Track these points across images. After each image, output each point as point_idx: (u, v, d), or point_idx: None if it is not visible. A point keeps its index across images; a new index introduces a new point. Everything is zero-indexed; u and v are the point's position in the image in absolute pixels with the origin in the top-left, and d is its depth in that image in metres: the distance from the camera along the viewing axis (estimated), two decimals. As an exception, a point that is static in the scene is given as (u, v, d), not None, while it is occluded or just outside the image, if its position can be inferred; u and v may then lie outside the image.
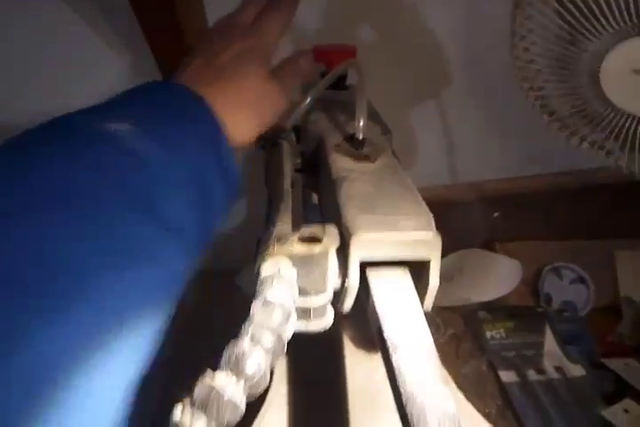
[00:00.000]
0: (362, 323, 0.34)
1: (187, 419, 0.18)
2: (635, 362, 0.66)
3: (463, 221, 0.81)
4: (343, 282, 0.28)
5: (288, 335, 0.22)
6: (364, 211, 0.27)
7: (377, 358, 0.28)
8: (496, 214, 0.83)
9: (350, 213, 0.27)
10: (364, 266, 0.28)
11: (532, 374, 0.65)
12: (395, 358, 0.22)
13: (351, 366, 0.42)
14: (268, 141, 0.37)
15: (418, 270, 0.28)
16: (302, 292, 0.26)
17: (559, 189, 0.82)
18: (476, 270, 0.79)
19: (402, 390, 0.20)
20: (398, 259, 0.27)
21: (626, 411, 0.58)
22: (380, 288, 0.27)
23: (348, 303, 0.29)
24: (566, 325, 0.74)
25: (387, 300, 0.26)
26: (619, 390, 0.63)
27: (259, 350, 0.20)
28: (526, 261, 0.81)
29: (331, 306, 0.28)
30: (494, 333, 0.69)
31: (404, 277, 0.29)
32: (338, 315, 0.28)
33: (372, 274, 0.28)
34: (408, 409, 0.19)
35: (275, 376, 0.40)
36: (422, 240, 0.26)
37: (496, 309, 0.71)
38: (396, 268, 0.29)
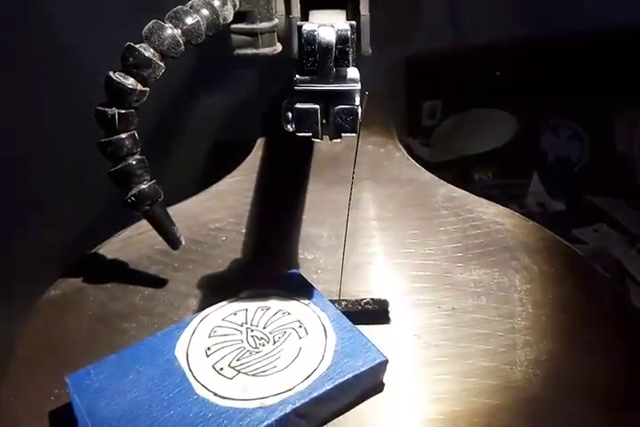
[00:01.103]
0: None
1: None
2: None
3: (465, 80, 0.85)
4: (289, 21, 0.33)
5: (225, 17, 0.28)
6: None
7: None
8: (498, 73, 0.85)
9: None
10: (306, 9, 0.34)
11: (514, 208, 0.70)
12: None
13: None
14: None
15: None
16: (249, 18, 0.32)
17: (561, 47, 0.83)
18: (472, 127, 0.83)
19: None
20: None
21: (595, 231, 0.64)
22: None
23: (295, 43, 0.34)
24: (556, 174, 0.78)
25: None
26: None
27: (196, 14, 0.27)
28: (524, 118, 0.84)
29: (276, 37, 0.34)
30: (482, 175, 0.74)
31: (339, 14, 0.34)
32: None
33: (313, 13, 0.34)
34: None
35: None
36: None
37: (487, 155, 0.76)
38: (336, 11, 0.34)
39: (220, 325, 0.29)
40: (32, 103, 0.62)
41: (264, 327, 0.29)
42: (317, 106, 0.25)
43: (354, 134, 0.26)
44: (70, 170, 0.66)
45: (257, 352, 0.27)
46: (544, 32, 0.84)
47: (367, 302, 0.33)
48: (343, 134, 0.26)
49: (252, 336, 0.28)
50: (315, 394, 0.25)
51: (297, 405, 0.24)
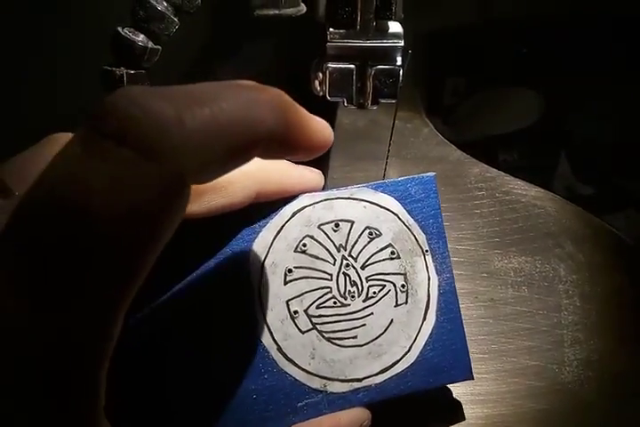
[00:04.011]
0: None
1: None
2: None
3: (492, 58, 0.80)
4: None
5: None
6: None
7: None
8: (525, 50, 0.80)
9: None
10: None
11: (541, 192, 0.67)
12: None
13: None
14: None
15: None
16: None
17: (594, 20, 0.78)
18: (497, 105, 0.79)
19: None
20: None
21: (627, 217, 0.60)
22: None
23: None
24: (585, 156, 0.74)
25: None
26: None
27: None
28: (552, 97, 0.79)
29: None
30: (507, 156, 0.70)
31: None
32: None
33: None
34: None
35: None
36: None
37: (513, 135, 0.72)
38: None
39: (314, 236, 0.22)
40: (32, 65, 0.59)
41: (362, 267, 0.22)
42: (353, 65, 0.22)
43: (393, 101, 0.23)
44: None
45: (342, 305, 0.21)
46: (576, 7, 0.80)
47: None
48: (381, 100, 0.23)
49: (346, 275, 0.22)
50: (381, 398, 0.21)
51: (358, 404, 0.21)
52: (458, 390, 0.25)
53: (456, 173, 0.39)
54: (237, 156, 0.13)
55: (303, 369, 0.21)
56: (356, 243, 0.22)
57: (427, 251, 0.23)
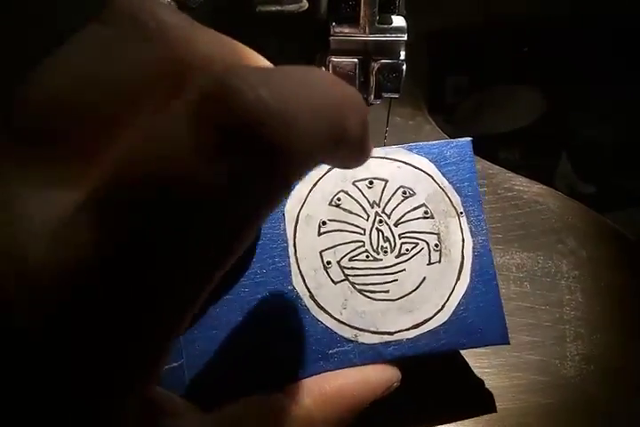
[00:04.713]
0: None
1: None
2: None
3: (494, 56, 0.80)
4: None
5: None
6: None
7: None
8: (525, 49, 0.80)
9: None
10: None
11: (542, 190, 0.67)
12: None
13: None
14: None
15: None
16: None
17: (595, 20, 0.78)
18: (498, 104, 0.79)
19: None
20: None
21: (629, 216, 0.60)
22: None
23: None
24: (586, 155, 0.74)
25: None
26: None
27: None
28: (553, 96, 0.79)
29: None
30: (508, 154, 0.70)
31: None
32: None
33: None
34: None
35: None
36: None
37: (514, 134, 0.72)
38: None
39: (348, 191, 0.22)
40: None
41: (395, 225, 0.22)
42: (356, 59, 0.22)
43: (396, 95, 0.23)
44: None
45: (374, 259, 0.22)
46: (576, 7, 0.80)
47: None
48: (384, 95, 0.23)
49: (378, 231, 0.22)
50: (412, 353, 0.21)
51: (390, 358, 0.21)
52: (460, 384, 0.25)
53: (458, 169, 0.39)
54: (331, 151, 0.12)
55: (335, 318, 0.21)
56: (389, 201, 0.23)
57: (461, 213, 0.23)
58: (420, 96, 0.48)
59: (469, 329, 0.21)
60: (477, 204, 0.24)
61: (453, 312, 0.21)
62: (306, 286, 0.21)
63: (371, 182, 0.23)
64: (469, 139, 0.25)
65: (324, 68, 0.23)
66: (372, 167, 0.23)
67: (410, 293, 0.21)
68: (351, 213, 0.22)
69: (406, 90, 0.49)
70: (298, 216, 0.22)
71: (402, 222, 0.22)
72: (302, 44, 0.53)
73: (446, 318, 0.21)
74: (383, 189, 0.23)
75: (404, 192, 0.23)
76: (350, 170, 0.22)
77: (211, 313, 0.20)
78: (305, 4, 0.34)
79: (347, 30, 0.22)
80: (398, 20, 0.22)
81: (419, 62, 0.81)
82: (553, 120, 0.81)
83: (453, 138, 0.49)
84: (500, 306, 0.22)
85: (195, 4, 0.26)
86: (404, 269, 0.22)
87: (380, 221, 0.22)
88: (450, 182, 0.23)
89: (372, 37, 0.21)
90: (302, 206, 0.22)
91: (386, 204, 0.22)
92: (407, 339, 0.21)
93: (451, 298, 0.22)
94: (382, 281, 0.21)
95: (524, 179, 0.38)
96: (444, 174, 0.23)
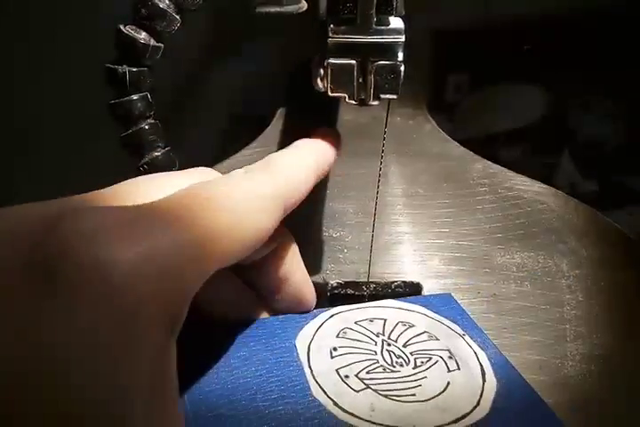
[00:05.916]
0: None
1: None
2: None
3: (494, 55, 0.80)
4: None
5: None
6: None
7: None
8: (527, 47, 0.80)
9: None
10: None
11: (544, 188, 0.67)
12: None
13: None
14: None
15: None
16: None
17: (597, 19, 0.78)
18: (499, 102, 0.78)
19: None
20: None
21: (630, 214, 0.60)
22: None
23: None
24: (588, 153, 0.74)
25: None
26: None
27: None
28: (555, 94, 0.79)
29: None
30: (509, 153, 0.70)
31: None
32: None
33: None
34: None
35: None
36: None
37: (515, 132, 0.72)
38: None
39: (352, 327, 0.24)
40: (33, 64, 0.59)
41: (404, 346, 0.23)
42: (354, 61, 0.22)
43: (395, 96, 0.23)
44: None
45: (392, 371, 0.22)
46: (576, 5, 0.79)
47: (398, 285, 0.30)
48: (383, 96, 0.23)
49: (389, 351, 0.23)
50: None
51: None
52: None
53: (458, 169, 0.39)
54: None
55: (365, 420, 0.19)
56: (392, 331, 0.24)
57: (464, 334, 0.24)
58: (420, 96, 0.48)
59: (516, 417, 0.21)
60: (477, 329, 0.25)
61: (492, 407, 0.21)
62: (327, 396, 0.20)
63: (371, 320, 0.25)
64: (448, 293, 0.28)
65: (322, 70, 0.23)
66: (369, 312, 0.26)
67: (439, 394, 0.21)
68: (359, 340, 0.23)
69: (406, 90, 0.49)
70: (309, 347, 0.23)
71: (410, 344, 0.23)
72: (301, 46, 0.53)
73: (486, 412, 0.20)
74: (384, 325, 0.25)
75: (404, 324, 0.25)
76: (352, 314, 0.25)
77: None
78: (304, 5, 0.34)
79: (345, 32, 0.22)
80: (396, 22, 0.22)
81: (419, 62, 0.81)
82: (554, 118, 0.81)
83: (454, 137, 0.49)
84: (538, 397, 0.21)
85: (194, 6, 0.26)
86: (426, 377, 0.21)
87: (389, 345, 0.23)
88: (444, 317, 0.25)
89: (369, 39, 0.21)
90: (311, 342, 0.23)
91: (390, 333, 0.24)
92: None
93: (484, 395, 0.21)
94: (406, 387, 0.21)
95: (525, 178, 0.38)
96: (436, 313, 0.26)
